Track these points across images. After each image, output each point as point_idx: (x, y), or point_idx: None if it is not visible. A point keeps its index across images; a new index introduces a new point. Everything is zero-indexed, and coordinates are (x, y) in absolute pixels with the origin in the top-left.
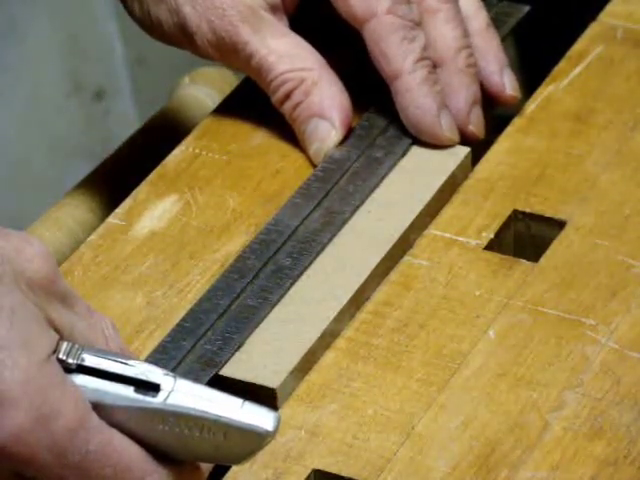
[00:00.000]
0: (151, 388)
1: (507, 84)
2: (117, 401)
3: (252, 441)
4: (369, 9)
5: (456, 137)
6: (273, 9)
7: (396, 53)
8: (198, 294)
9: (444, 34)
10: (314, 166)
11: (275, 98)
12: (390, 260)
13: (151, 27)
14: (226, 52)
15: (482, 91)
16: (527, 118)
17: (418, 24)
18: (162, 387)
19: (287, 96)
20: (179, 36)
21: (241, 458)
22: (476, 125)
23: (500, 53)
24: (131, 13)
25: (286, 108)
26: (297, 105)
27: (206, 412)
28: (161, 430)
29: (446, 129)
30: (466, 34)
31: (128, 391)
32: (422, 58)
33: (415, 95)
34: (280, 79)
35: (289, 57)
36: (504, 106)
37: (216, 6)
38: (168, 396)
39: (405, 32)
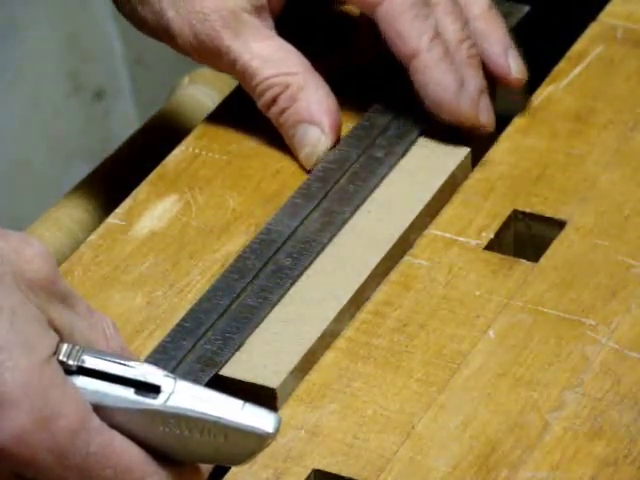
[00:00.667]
0: (151, 390)
1: (512, 66)
2: (117, 403)
3: (252, 442)
4: None
5: (476, 114)
6: (258, 10)
7: (411, 32)
8: (198, 294)
9: (444, 27)
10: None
11: (261, 103)
12: (390, 260)
13: (139, 24)
14: (209, 56)
15: (487, 75)
16: (527, 118)
17: (427, 4)
18: (162, 389)
19: (273, 101)
20: (165, 37)
21: (241, 459)
22: (486, 115)
23: (504, 35)
24: (120, 10)
25: (272, 113)
26: (284, 110)
27: (206, 414)
28: (161, 431)
29: (466, 106)
30: (466, 25)
31: (128, 393)
32: (437, 35)
33: (434, 72)
34: (265, 84)
35: (273, 61)
36: (511, 88)
37: (197, 10)
38: (168, 398)
39: (417, 9)
